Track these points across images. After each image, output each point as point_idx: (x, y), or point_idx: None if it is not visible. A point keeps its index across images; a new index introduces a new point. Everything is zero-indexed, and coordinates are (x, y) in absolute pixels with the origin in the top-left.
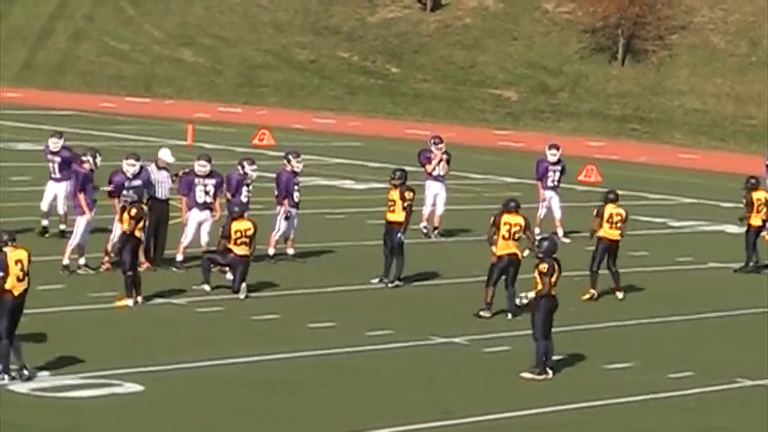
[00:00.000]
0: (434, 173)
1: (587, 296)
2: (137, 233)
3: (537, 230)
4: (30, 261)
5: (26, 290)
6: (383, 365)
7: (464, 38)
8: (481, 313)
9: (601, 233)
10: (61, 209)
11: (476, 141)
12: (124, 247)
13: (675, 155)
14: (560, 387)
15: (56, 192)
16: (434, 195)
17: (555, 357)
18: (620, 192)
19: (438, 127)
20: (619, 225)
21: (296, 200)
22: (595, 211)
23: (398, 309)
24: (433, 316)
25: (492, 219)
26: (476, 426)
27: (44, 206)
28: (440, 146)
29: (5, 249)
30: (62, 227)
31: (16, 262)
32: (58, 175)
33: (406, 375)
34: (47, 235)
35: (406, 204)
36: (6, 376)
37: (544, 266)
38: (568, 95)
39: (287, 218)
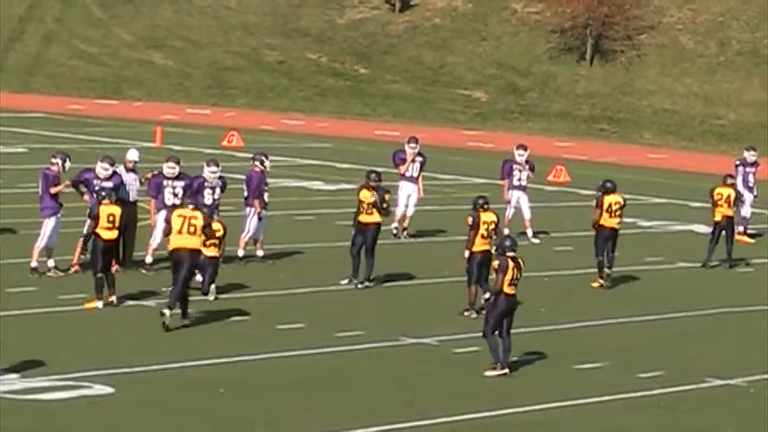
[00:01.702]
0: (407, 173)
1: (596, 284)
2: (102, 233)
3: (506, 231)
4: None
5: None
6: (353, 366)
7: (433, 38)
8: (465, 314)
9: (600, 222)
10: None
11: (445, 142)
12: (93, 248)
13: (644, 155)
14: (531, 387)
15: None
16: (407, 196)
17: (522, 357)
18: (589, 192)
19: (407, 128)
20: (618, 213)
21: (265, 200)
22: (594, 202)
23: (368, 310)
24: (403, 317)
25: (471, 220)
26: (446, 426)
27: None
28: (413, 146)
29: None
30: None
31: None
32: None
33: (375, 376)
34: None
35: (384, 206)
36: None
37: (496, 263)
38: (537, 96)
39: (260, 219)
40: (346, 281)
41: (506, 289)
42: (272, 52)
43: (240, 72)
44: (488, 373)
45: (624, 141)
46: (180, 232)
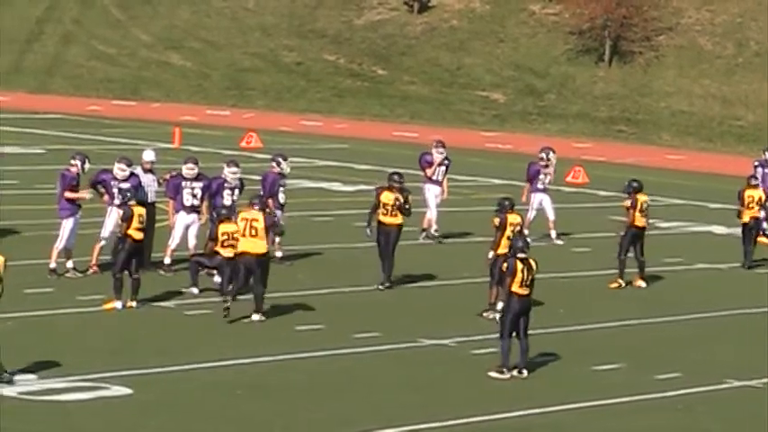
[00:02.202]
0: (434, 177)
1: (615, 285)
2: (134, 234)
3: (526, 232)
4: (6, 267)
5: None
6: (370, 368)
7: (451, 40)
8: (485, 315)
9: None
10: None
11: (463, 143)
12: (121, 249)
13: (663, 156)
14: (548, 388)
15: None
16: (435, 197)
17: (539, 359)
18: (607, 193)
19: (425, 129)
20: (646, 212)
21: (281, 201)
22: (629, 202)
23: (387, 311)
24: (421, 318)
25: (498, 221)
26: (463, 428)
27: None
28: (441, 150)
29: None
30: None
31: None
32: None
33: (392, 378)
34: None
35: (406, 207)
36: None
37: (504, 265)
38: (555, 97)
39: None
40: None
41: (518, 290)
42: (290, 53)
43: (258, 73)
44: (492, 374)
45: (642, 143)
46: (244, 235)
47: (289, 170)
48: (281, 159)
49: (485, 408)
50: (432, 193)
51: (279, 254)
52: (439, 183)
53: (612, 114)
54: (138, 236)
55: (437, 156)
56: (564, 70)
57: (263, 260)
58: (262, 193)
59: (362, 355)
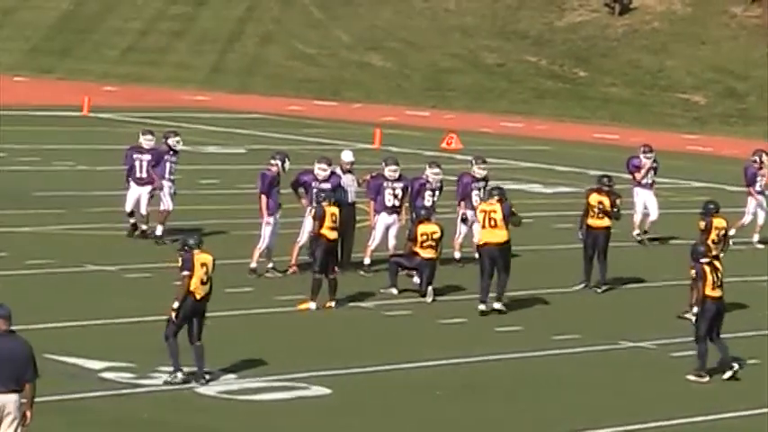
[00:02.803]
0: (643, 180)
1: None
2: (327, 234)
3: (732, 232)
4: (214, 267)
5: (208, 295)
6: (568, 370)
7: (652, 42)
8: (686, 316)
9: None
10: (144, 209)
11: (663, 146)
12: (316, 248)
13: None
14: (747, 392)
15: (140, 193)
16: (643, 202)
17: (741, 362)
18: None
19: (626, 131)
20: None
21: (474, 204)
22: (702, 224)
23: (587, 313)
24: (622, 320)
25: (703, 224)
26: (662, 430)
27: (128, 208)
28: (649, 155)
29: (193, 251)
30: (144, 227)
31: (202, 265)
32: (144, 176)
33: (590, 380)
34: (136, 233)
35: (615, 210)
36: (180, 374)
37: (693, 272)
38: (756, 100)
39: (463, 220)
40: (581, 286)
41: (711, 293)
42: (491, 54)
43: (458, 74)
44: (690, 377)
45: None
46: (484, 227)
47: (483, 173)
48: (473, 162)
49: (686, 410)
50: (640, 198)
51: (457, 255)
52: (649, 186)
53: None
54: (332, 235)
55: (645, 160)
56: (765, 73)
57: (505, 249)
58: (457, 192)
59: (561, 357)
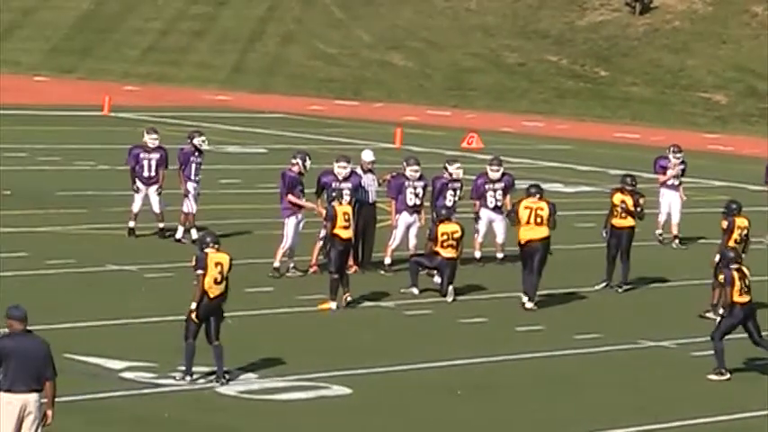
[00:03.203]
0: (669, 182)
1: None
2: (340, 233)
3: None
4: (231, 267)
5: (223, 294)
6: (588, 369)
7: (673, 41)
8: (707, 315)
9: None
10: (157, 208)
11: (685, 145)
12: (330, 248)
13: None
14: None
15: (147, 193)
16: (669, 203)
17: (760, 362)
18: None
19: (647, 130)
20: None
21: (489, 205)
22: (725, 224)
23: (609, 312)
24: (643, 319)
25: (726, 224)
26: (684, 429)
27: (136, 208)
28: (678, 155)
29: (207, 251)
30: (161, 225)
31: (216, 264)
32: (152, 174)
33: (610, 379)
34: (131, 236)
35: (638, 210)
36: (189, 377)
37: (721, 277)
38: None
39: (475, 219)
40: (603, 285)
41: (738, 299)
42: (512, 54)
43: (480, 74)
44: (712, 377)
45: None
46: (528, 223)
47: (497, 175)
48: (488, 165)
49: (706, 410)
50: (666, 199)
51: (500, 255)
52: (675, 187)
53: None
54: (346, 234)
55: (674, 161)
56: None
57: (546, 244)
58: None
59: (583, 357)
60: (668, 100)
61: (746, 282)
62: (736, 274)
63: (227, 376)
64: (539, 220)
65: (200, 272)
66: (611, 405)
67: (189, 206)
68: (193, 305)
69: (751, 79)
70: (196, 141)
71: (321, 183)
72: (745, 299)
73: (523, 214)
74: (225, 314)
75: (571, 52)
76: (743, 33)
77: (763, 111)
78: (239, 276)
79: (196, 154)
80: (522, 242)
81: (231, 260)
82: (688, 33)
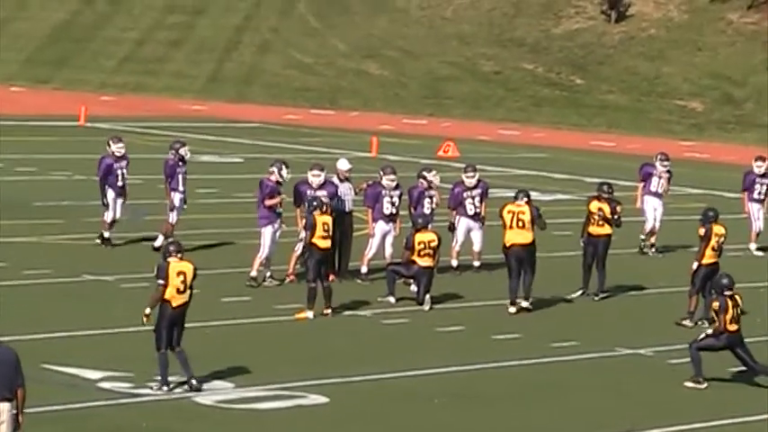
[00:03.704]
0: (653, 189)
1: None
2: (318, 243)
3: (753, 246)
4: (195, 276)
5: (186, 303)
6: (567, 377)
7: (648, 49)
8: (684, 323)
9: None
10: (119, 214)
11: None
12: (308, 257)
13: None
14: (745, 398)
15: (119, 201)
16: (653, 210)
17: (736, 368)
18: None
19: (623, 138)
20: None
21: (469, 212)
22: (702, 231)
23: (585, 320)
24: (619, 327)
25: (703, 231)
26: None
27: (110, 218)
28: (665, 163)
29: (170, 260)
30: (107, 234)
31: (178, 273)
32: (124, 184)
33: (588, 387)
34: (103, 244)
35: (616, 218)
36: (165, 387)
37: (716, 304)
38: (754, 106)
39: (450, 229)
40: (579, 293)
41: (729, 327)
42: (488, 62)
43: (455, 82)
44: (688, 384)
45: None
46: (511, 227)
47: (472, 182)
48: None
49: (684, 417)
50: (650, 206)
51: (476, 263)
52: (659, 195)
53: None
54: (324, 244)
55: (661, 168)
56: (762, 79)
57: (531, 249)
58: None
59: (560, 364)
60: (644, 107)
61: (738, 311)
62: (730, 302)
63: (194, 381)
64: (521, 223)
65: (160, 282)
66: (588, 412)
67: (173, 217)
68: (147, 310)
69: (727, 86)
70: (182, 152)
71: (298, 192)
72: (734, 327)
73: (506, 218)
74: (202, 325)
75: (547, 60)
76: (719, 41)
77: (739, 118)
78: (216, 285)
79: (180, 164)
80: (508, 245)
81: (195, 269)
82: (664, 41)
